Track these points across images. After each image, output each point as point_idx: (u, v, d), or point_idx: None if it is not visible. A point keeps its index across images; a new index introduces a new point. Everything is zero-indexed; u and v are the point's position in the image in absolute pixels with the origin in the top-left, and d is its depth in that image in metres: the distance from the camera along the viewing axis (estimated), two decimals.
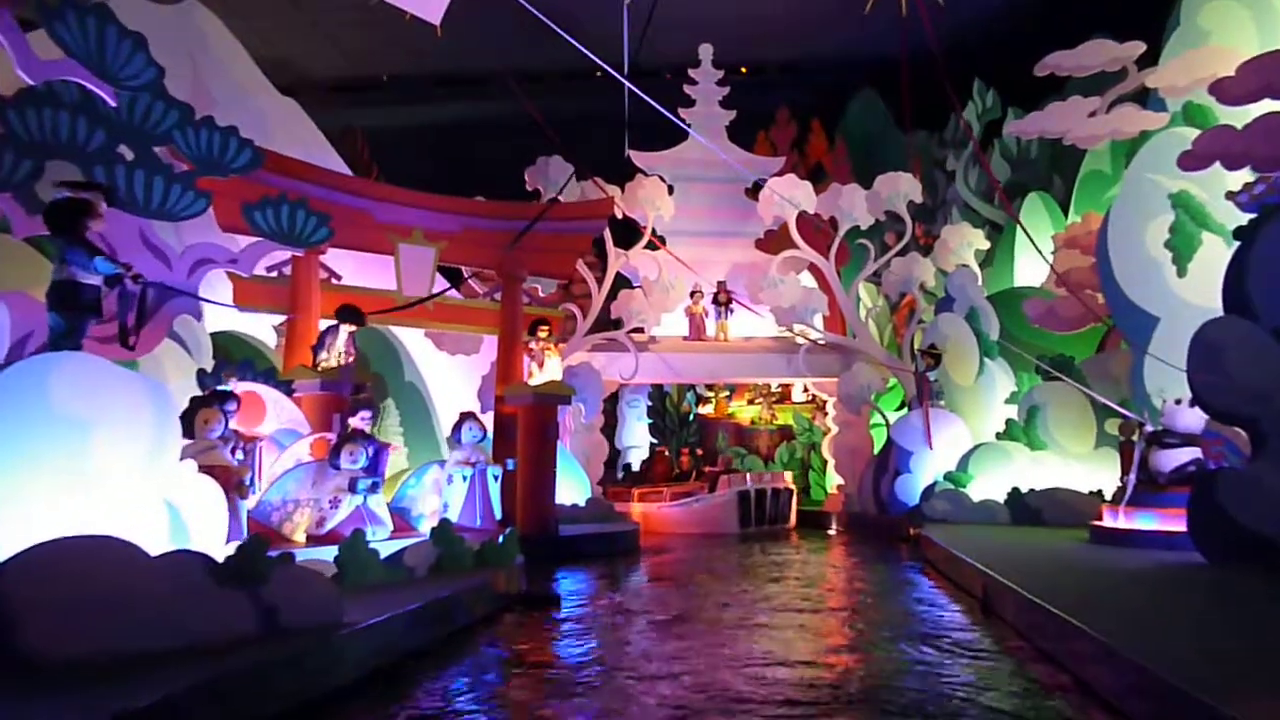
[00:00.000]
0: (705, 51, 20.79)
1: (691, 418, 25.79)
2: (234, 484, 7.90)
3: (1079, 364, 15.77)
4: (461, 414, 10.78)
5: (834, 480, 20.31)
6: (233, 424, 9.37)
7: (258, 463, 9.40)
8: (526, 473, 14.51)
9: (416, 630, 7.36)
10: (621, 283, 19.89)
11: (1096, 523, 12.08)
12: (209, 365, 11.47)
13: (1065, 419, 15.62)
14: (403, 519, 10.36)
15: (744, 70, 30.37)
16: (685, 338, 19.60)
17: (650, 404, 25.58)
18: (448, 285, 14.84)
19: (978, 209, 23.01)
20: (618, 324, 18.82)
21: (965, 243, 19.03)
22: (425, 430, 16.41)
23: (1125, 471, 12.25)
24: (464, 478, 10.34)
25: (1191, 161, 10.48)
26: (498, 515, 10.58)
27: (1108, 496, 14.61)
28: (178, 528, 6.15)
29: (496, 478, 10.58)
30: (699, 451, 22.65)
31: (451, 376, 17.39)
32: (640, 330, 19.23)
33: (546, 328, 15.02)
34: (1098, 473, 15.17)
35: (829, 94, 30.53)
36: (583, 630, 8.54)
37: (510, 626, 8.78)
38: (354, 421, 10.49)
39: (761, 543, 16.41)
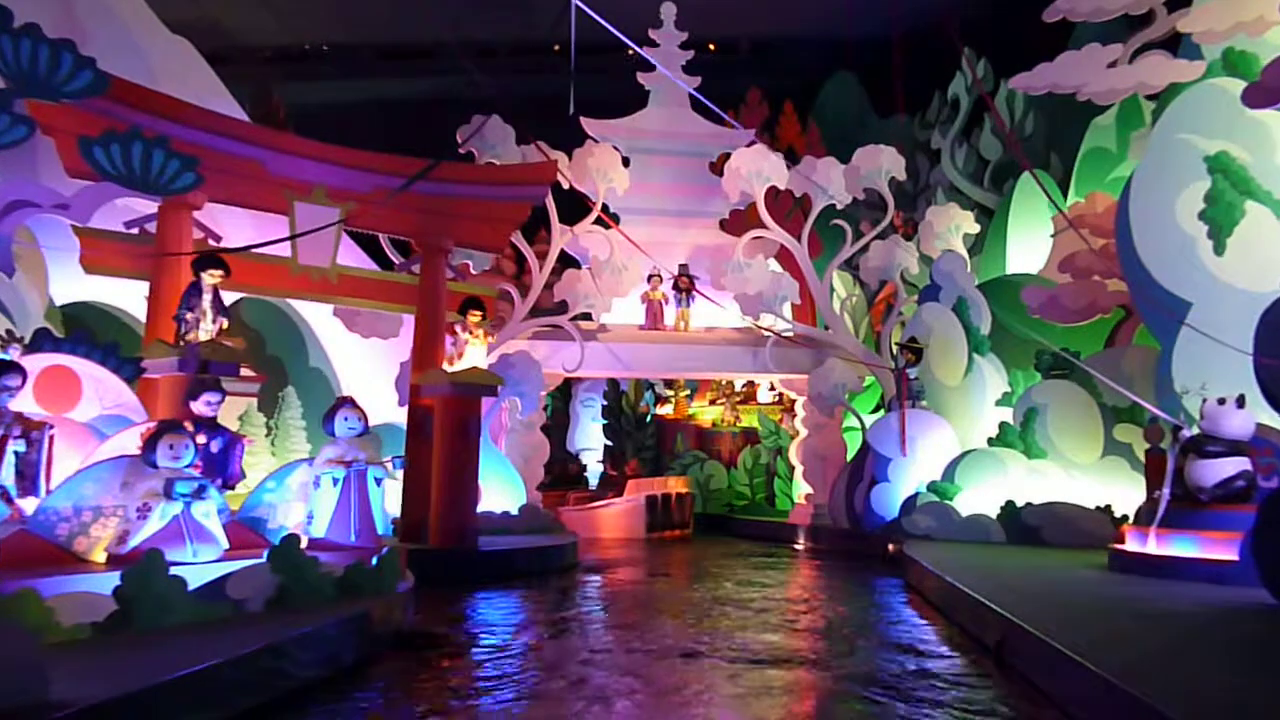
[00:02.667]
0: (668, 11, 18.58)
1: (649, 419, 23.66)
2: None
3: (1084, 360, 13.79)
4: (337, 399, 8.52)
5: (802, 489, 18.21)
6: (13, 404, 7.10)
7: (44, 457, 7.09)
8: (443, 476, 12.37)
9: (211, 699, 5.11)
10: (570, 264, 17.71)
11: (1118, 546, 10.04)
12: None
13: (1068, 423, 13.64)
14: (257, 533, 8.07)
15: (712, 48, 28.32)
16: (641, 326, 17.42)
17: (605, 404, 23.48)
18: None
19: (966, 192, 20.99)
20: (562, 309, 16.61)
21: (952, 225, 16.99)
22: None
23: (1153, 485, 10.21)
24: (334, 481, 8.06)
25: (1260, 96, 8.48)
26: (380, 529, 8.32)
27: (1118, 513, 12.71)
28: None
29: (379, 481, 8.31)
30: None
31: (366, 363, 15.10)
32: (588, 317, 17.03)
33: (480, 312, 12.75)
34: (1106, 485, 13.22)
35: (802, 76, 28.53)
36: (483, 688, 6.34)
37: (378, 681, 6.55)
38: (196, 406, 8.23)
39: (714, 559, 14.28)
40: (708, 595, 10.64)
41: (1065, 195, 17.75)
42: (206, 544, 6.97)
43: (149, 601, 5.95)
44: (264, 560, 6.79)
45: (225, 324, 10.27)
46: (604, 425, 23.49)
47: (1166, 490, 9.50)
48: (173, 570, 6.27)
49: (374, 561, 7.57)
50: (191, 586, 6.35)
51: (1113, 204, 14.56)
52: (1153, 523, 9.47)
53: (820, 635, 8.35)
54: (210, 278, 10.04)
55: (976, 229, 17.46)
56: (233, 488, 8.50)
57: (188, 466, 7.12)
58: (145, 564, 6.00)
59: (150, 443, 7.00)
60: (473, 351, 12.46)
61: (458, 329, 12.56)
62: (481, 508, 14.06)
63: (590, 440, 23.88)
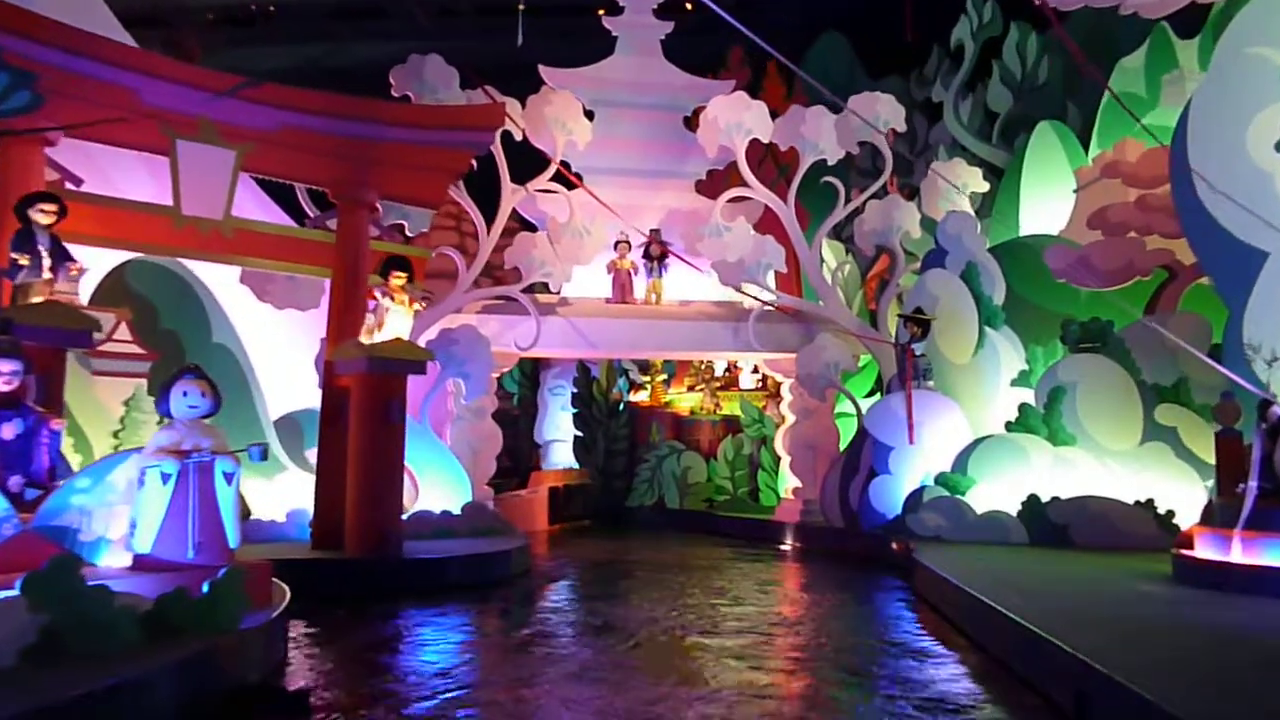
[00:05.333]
0: None
1: (622, 407, 21.69)
2: None
3: (1119, 330, 11.85)
4: (178, 369, 6.42)
5: (789, 483, 16.23)
6: None
7: None
8: (360, 470, 10.37)
9: None
10: (528, 230, 15.64)
11: (1185, 553, 8.06)
12: None
13: (1101, 404, 11.70)
14: (63, 549, 5.95)
15: (689, 6, 26.20)
16: (607, 300, 15.38)
17: (576, 391, 21.51)
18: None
19: (971, 149, 18.97)
20: (517, 279, 14.52)
21: (959, 183, 14.99)
22: (241, 410, 11.98)
23: (1228, 476, 8.25)
24: (165, 477, 5.96)
25: None
26: (232, 542, 6.22)
27: (1161, 509, 10.79)
28: None
29: (229, 477, 6.22)
30: None
31: (281, 338, 12.99)
32: (546, 289, 14.96)
33: (403, 273, 10.72)
34: (1146, 477, 11.27)
35: (787, 35, 26.47)
36: None
37: None
38: None
39: (690, 564, 12.29)
40: (688, 619, 8.63)
41: (1086, 148, 15.77)
42: None
43: None
44: (15, 591, 4.69)
45: (75, 269, 8.30)
46: (574, 414, 21.61)
47: (1253, 483, 7.53)
48: None
49: (205, 588, 5.47)
50: None
51: (1147, 152, 12.63)
52: (1237, 524, 7.49)
53: (830, 682, 6.34)
54: (42, 216, 8.03)
55: (985, 187, 15.50)
56: (43, 487, 6.38)
57: None
58: None
59: None
60: (395, 320, 10.39)
61: (377, 293, 10.49)
62: (419, 506, 12.15)
63: (559, 430, 21.97)
